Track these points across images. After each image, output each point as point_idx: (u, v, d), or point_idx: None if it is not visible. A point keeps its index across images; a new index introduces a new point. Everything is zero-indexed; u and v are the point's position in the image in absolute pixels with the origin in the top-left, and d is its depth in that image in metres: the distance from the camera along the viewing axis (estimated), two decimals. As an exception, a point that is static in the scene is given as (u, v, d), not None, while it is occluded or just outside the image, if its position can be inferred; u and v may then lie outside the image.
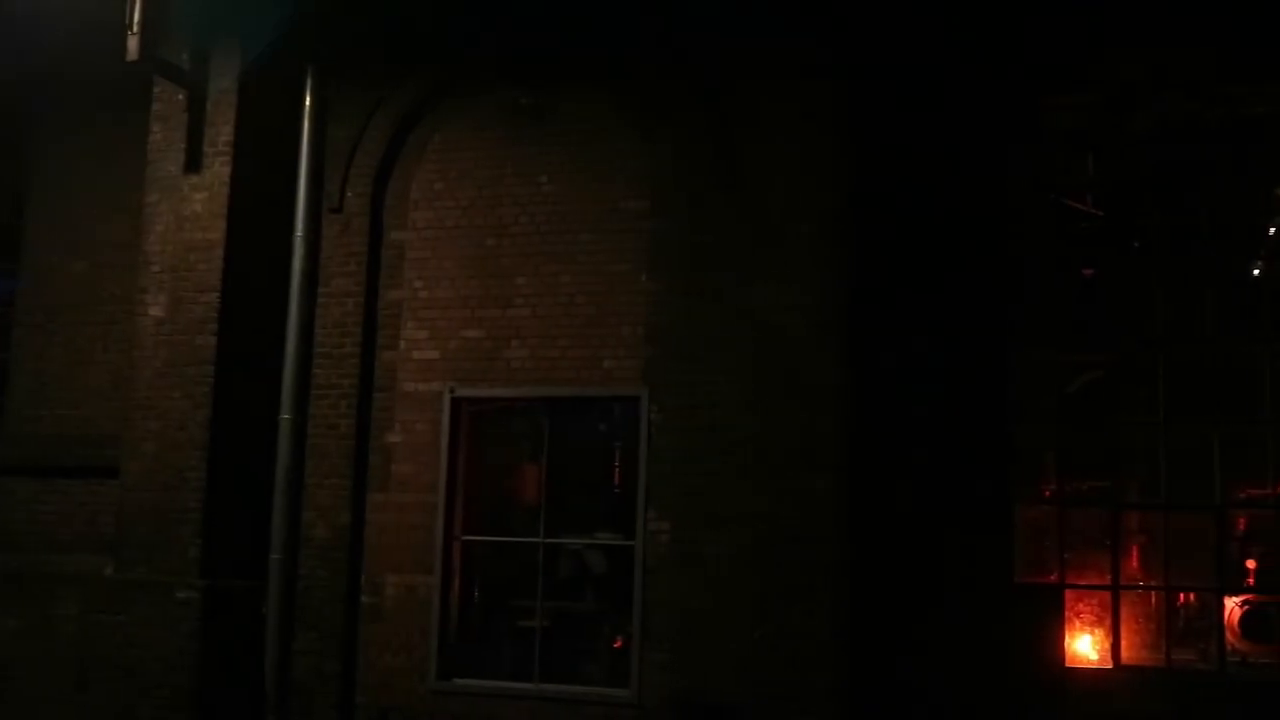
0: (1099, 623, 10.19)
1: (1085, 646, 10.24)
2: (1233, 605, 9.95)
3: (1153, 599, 10.37)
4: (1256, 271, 10.30)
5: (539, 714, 10.28)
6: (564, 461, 10.66)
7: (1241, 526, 10.26)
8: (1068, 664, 10.04)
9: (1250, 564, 10.17)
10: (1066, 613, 10.13)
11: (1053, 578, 10.17)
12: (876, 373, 10.05)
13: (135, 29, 10.41)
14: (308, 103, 11.19)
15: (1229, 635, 9.88)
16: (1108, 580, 10.05)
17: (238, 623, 10.66)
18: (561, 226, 10.69)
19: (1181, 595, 10.35)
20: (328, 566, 10.78)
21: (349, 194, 11.18)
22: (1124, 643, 9.97)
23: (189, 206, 11.01)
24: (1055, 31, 10.20)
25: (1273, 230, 10.41)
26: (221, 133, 11.05)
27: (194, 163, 11.03)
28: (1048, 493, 10.35)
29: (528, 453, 10.90)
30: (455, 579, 10.72)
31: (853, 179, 10.11)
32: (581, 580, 10.63)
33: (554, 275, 10.65)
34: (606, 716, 10.14)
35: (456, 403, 10.77)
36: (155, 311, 10.99)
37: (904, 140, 10.29)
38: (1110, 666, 9.95)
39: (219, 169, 10.99)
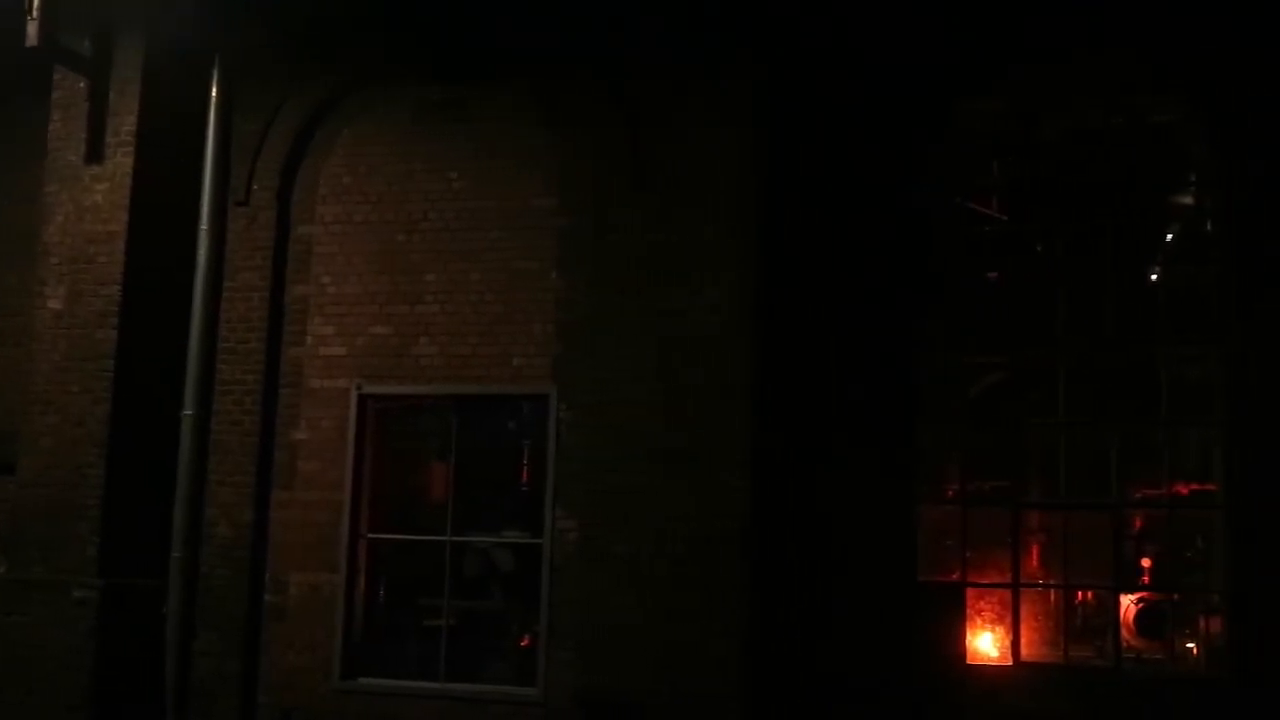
0: (999, 620, 10.37)
1: (986, 644, 10.42)
2: (1128, 603, 10.21)
3: (1052, 597, 10.59)
4: (1154, 276, 10.53)
5: (445, 713, 10.21)
6: (472, 459, 10.61)
7: (1137, 526, 10.53)
8: (969, 661, 10.21)
9: (1145, 562, 10.45)
10: (968, 611, 10.31)
11: (955, 576, 10.34)
12: (785, 372, 10.12)
13: (34, 14, 10.17)
14: (214, 94, 11.01)
15: (1125, 632, 10.13)
16: (1008, 578, 10.22)
17: (138, 622, 10.47)
18: (471, 223, 10.63)
19: (1079, 593, 10.60)
20: (230, 565, 10.62)
21: (255, 187, 11.02)
22: (1023, 640, 10.16)
23: (90, 197, 10.79)
24: (971, 36, 10.34)
25: (1170, 236, 10.65)
26: (124, 123, 10.84)
27: (95, 153, 10.82)
28: (951, 492, 10.50)
29: (436, 450, 10.83)
30: (361, 577, 10.62)
31: (765, 180, 10.16)
32: (489, 578, 10.59)
33: (463, 272, 10.59)
34: (513, 715, 10.10)
35: (363, 400, 10.67)
36: (54, 304, 10.77)
37: (818, 141, 10.37)
38: (1010, 663, 10.13)
39: (121, 160, 10.78)
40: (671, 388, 9.96)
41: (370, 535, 10.66)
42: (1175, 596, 10.29)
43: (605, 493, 10.04)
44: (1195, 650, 10.22)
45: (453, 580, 10.46)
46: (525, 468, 10.66)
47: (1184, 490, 10.30)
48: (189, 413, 10.73)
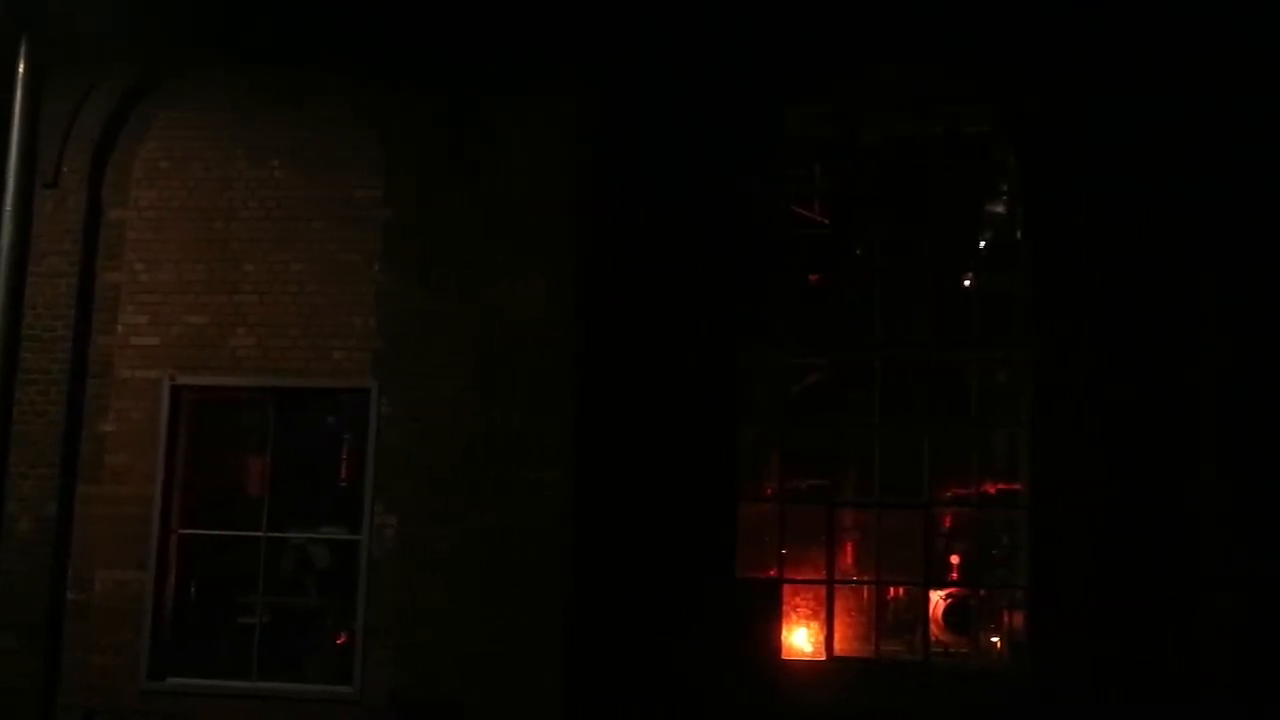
0: (814, 616, 10.59)
1: (801, 639, 10.62)
2: (938, 599, 10.55)
3: (865, 593, 10.82)
4: (967, 283, 10.87)
5: (257, 713, 9.99)
6: (290, 454, 10.39)
7: (947, 524, 10.85)
8: (785, 656, 10.43)
9: (954, 559, 10.80)
10: (784, 607, 10.52)
11: (772, 573, 10.53)
12: (607, 370, 10.15)
13: None
14: (21, 71, 10.51)
15: (934, 627, 10.47)
16: (823, 575, 10.45)
17: (-71, 622, 10.01)
18: (293, 213, 10.41)
19: (891, 589, 10.85)
20: (30, 561, 10.16)
21: (65, 169, 10.58)
22: (837, 635, 10.42)
23: (-118, 174, 10.26)
24: (798, 44, 10.51)
25: (983, 244, 11.01)
26: (-79, 97, 10.34)
27: (-112, 128, 10.29)
28: (770, 490, 10.69)
29: (253, 444, 10.55)
30: (171, 574, 10.31)
31: (591, 178, 10.19)
32: (305, 576, 10.38)
33: (284, 263, 10.37)
34: (328, 714, 9.94)
35: (176, 391, 10.36)
36: None
37: (648, 141, 10.43)
38: (824, 658, 10.36)
39: (-83, 136, 10.28)
40: (492, 384, 9.93)
41: (182, 531, 10.35)
42: (981, 592, 10.66)
43: (426, 489, 9.96)
44: (999, 644, 10.60)
45: (268, 577, 10.25)
46: (345, 463, 10.47)
47: (992, 490, 10.69)
48: (-11, 402, 10.29)
